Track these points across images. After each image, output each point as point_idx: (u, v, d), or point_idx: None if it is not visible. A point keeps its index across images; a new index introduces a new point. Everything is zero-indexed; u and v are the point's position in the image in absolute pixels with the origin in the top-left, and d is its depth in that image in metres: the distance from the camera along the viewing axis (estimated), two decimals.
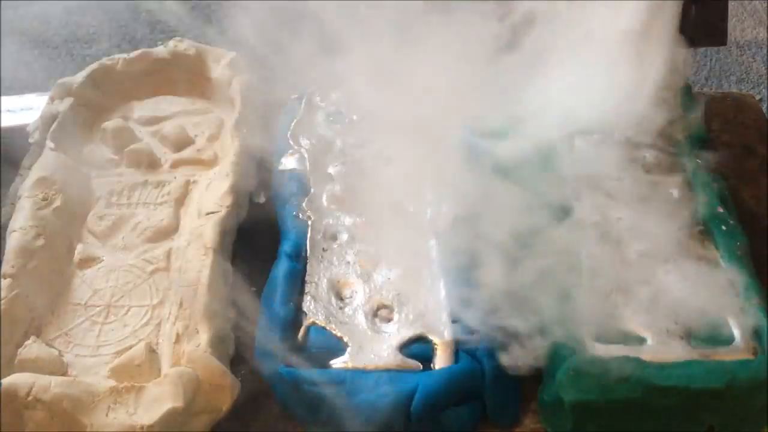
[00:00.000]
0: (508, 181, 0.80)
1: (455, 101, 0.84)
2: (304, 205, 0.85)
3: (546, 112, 0.85)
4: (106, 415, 0.63)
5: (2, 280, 0.73)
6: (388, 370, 0.69)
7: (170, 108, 0.97)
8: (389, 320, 0.74)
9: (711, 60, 1.47)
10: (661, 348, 0.69)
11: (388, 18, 0.86)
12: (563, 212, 0.79)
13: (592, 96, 0.84)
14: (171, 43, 1.00)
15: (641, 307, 0.72)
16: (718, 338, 0.70)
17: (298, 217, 0.84)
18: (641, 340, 0.70)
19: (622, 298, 0.73)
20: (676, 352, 0.69)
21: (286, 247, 0.80)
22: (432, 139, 0.83)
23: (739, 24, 1.52)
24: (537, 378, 0.70)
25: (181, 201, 0.85)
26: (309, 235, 0.82)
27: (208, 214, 0.81)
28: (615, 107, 0.83)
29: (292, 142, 0.92)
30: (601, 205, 0.80)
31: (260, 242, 0.83)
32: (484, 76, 0.86)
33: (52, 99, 0.95)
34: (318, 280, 0.78)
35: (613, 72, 0.84)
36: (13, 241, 0.77)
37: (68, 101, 0.94)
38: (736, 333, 0.70)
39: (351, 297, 0.76)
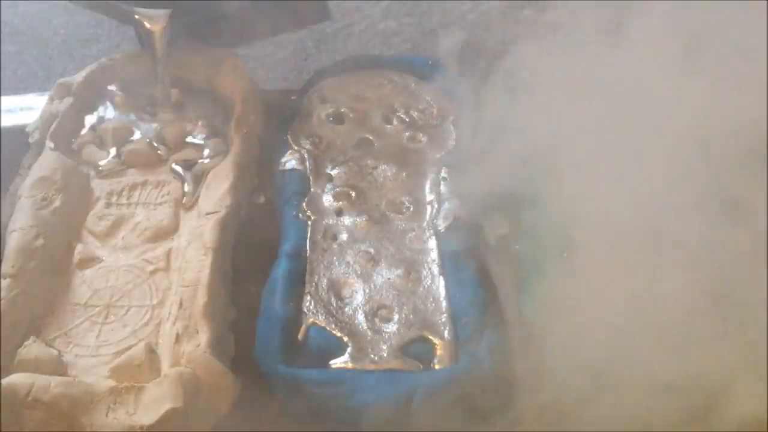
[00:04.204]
0: None
1: None
2: (304, 205, 0.85)
3: None
4: (106, 415, 0.63)
5: (2, 280, 0.73)
6: (388, 370, 0.69)
7: (170, 108, 0.97)
8: (389, 320, 0.74)
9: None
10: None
11: None
12: None
13: None
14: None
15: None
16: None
17: (298, 217, 0.84)
18: None
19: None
20: None
21: (286, 247, 0.80)
22: None
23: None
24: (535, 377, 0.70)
25: (180, 201, 0.85)
26: (309, 235, 0.82)
27: (208, 214, 0.80)
28: None
29: (292, 142, 0.92)
30: None
31: (260, 242, 0.82)
32: None
33: (51, 99, 0.95)
34: (318, 280, 0.78)
35: None
36: (13, 241, 0.77)
37: (68, 101, 0.94)
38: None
39: (351, 297, 0.76)
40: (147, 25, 0.92)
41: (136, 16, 0.92)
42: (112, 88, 0.98)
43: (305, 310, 0.75)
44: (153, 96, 0.97)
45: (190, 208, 0.84)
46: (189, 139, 0.93)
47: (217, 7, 0.94)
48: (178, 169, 0.88)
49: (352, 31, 1.04)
